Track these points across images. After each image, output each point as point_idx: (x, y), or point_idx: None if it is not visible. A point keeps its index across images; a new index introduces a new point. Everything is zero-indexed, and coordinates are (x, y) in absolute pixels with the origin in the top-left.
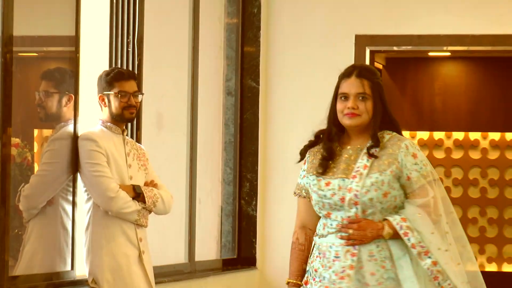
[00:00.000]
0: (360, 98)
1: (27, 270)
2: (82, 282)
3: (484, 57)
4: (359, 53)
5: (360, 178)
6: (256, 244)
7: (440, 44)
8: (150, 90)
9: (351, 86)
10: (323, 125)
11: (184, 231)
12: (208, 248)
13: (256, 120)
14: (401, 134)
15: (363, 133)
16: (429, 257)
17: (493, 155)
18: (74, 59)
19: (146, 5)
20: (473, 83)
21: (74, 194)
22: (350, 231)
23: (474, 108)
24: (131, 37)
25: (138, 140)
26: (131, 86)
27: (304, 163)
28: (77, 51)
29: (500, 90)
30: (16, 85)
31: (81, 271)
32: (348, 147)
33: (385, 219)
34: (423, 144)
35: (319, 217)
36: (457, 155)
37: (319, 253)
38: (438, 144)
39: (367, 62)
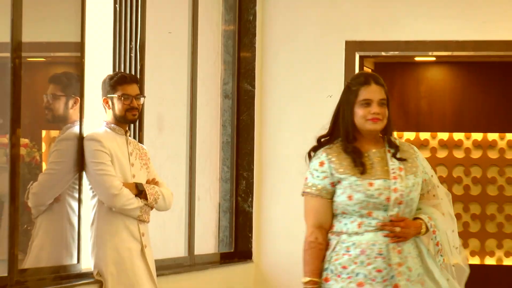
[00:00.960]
0: (381, 104)
1: (36, 263)
2: (88, 274)
3: (467, 62)
4: (349, 58)
5: (401, 179)
6: (252, 238)
7: (426, 50)
8: (152, 93)
9: (374, 92)
10: (317, 130)
11: (184, 226)
12: (207, 242)
13: (252, 121)
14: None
15: (376, 136)
16: (441, 255)
17: (476, 154)
18: (79, 64)
19: (148, 13)
20: (457, 87)
21: (80, 191)
22: (398, 229)
23: (458, 110)
24: (133, 43)
25: (140, 140)
26: (133, 89)
27: (321, 165)
28: (82, 56)
29: (482, 93)
30: (25, 88)
31: (87, 264)
32: (374, 150)
33: (417, 218)
34: None
35: (333, 217)
36: (442, 154)
37: (348, 251)
38: (424, 144)
39: (357, 66)
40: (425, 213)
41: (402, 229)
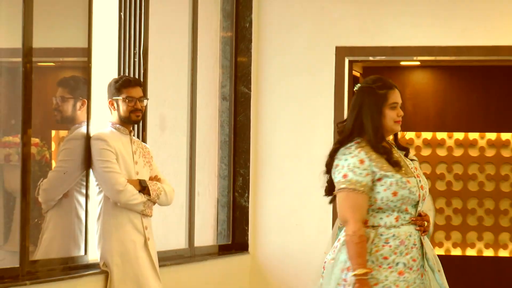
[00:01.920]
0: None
1: (46, 255)
2: (94, 265)
3: (449, 66)
4: (339, 63)
5: (421, 177)
6: (248, 231)
7: (411, 55)
8: (154, 96)
9: (398, 96)
10: (309, 130)
11: (185, 220)
12: (206, 235)
13: (248, 122)
14: None
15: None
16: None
17: (458, 152)
18: (86, 68)
19: (151, 20)
20: (440, 89)
21: (87, 187)
22: (426, 223)
23: (441, 111)
24: (137, 48)
25: (144, 140)
26: (137, 92)
27: (362, 163)
28: (89, 61)
29: (463, 95)
30: (36, 91)
31: (93, 255)
32: (393, 150)
33: (421, 214)
34: None
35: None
36: (425, 152)
37: (387, 242)
38: (409, 143)
39: (346, 71)
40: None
41: (428, 223)
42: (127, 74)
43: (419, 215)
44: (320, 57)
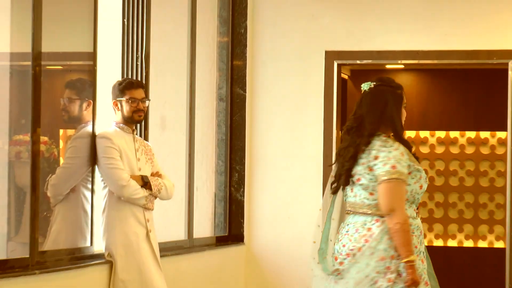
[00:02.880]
0: None
1: (54, 246)
2: (99, 255)
3: (431, 69)
4: (328, 66)
5: None
6: (243, 224)
7: (395, 58)
8: (155, 97)
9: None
10: (300, 128)
11: (184, 213)
12: (204, 227)
13: (243, 121)
14: None
15: None
16: None
17: (439, 150)
18: (92, 71)
19: (152, 27)
20: (423, 91)
21: (92, 183)
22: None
23: (424, 111)
24: (139, 53)
25: (146, 138)
26: (139, 93)
27: (402, 155)
28: (94, 64)
29: (445, 96)
30: (44, 93)
31: (99, 246)
32: None
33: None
34: None
35: None
36: None
37: (413, 232)
38: None
39: (335, 73)
40: None
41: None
42: (130, 77)
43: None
44: (311, 61)
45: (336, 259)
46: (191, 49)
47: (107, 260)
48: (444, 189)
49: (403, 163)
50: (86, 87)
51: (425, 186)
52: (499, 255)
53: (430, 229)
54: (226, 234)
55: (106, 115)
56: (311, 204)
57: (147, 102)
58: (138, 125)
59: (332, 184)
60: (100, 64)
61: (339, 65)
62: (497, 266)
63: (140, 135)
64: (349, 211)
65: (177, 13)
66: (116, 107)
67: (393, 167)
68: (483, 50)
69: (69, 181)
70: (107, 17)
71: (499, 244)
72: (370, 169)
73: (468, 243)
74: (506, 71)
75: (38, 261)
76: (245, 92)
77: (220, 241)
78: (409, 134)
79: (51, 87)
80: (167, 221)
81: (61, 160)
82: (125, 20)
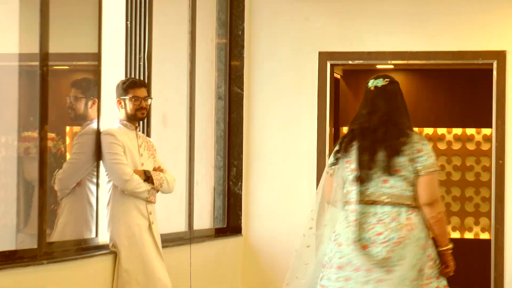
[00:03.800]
0: None
1: (61, 237)
2: (104, 246)
3: (420, 69)
4: (321, 66)
5: None
6: (241, 216)
7: (385, 59)
8: (157, 96)
9: None
10: (295, 126)
11: (185, 206)
12: (204, 219)
13: (241, 119)
14: None
15: None
16: None
17: None
18: (97, 71)
19: (154, 29)
20: (412, 89)
21: (97, 177)
22: None
23: (412, 109)
24: (142, 54)
25: (148, 134)
26: (142, 92)
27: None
28: (99, 64)
29: (432, 95)
30: (51, 92)
31: (103, 238)
32: None
33: None
34: None
35: None
36: None
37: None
38: None
39: (328, 73)
40: None
41: None
42: (133, 76)
43: None
44: (305, 61)
45: (365, 247)
46: (191, 50)
47: (111, 250)
48: None
49: (434, 156)
50: (91, 86)
51: None
52: (485, 246)
53: None
54: (225, 226)
55: (111, 113)
56: (305, 197)
57: (149, 100)
58: (141, 122)
59: (358, 174)
60: (105, 64)
61: (332, 65)
62: (483, 256)
63: (143, 132)
64: (375, 201)
65: (177, 16)
66: (120, 105)
67: (435, 159)
68: (469, 51)
69: (75, 176)
70: (111, 19)
71: (484, 236)
72: (412, 161)
73: (455, 235)
74: (491, 71)
75: (46, 252)
76: (243, 91)
77: (219, 233)
78: None
79: (58, 87)
80: (168, 214)
81: (68, 156)
82: (128, 23)
